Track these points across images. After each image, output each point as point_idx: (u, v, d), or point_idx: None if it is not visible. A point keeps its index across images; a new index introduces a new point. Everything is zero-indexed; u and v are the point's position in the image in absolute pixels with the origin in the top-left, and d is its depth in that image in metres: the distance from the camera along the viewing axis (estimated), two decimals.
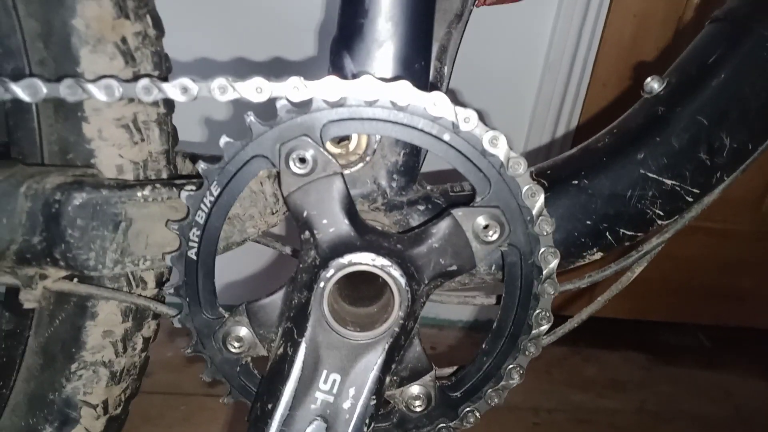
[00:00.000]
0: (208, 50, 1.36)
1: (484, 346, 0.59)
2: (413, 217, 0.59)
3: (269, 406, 0.51)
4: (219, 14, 1.36)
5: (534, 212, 0.52)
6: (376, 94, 0.50)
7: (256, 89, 0.50)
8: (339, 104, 0.50)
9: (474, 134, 0.51)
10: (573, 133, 1.64)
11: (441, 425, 0.59)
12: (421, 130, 0.51)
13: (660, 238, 0.61)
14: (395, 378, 0.56)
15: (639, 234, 0.60)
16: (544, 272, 0.54)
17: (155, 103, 0.59)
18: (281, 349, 0.53)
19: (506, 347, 0.58)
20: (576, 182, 0.58)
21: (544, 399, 1.63)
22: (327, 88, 0.49)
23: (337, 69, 0.58)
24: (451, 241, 0.52)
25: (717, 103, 0.56)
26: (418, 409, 0.58)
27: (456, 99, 0.50)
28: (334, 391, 0.51)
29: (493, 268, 0.58)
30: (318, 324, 0.51)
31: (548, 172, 0.61)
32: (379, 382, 0.52)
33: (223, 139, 0.51)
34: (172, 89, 0.50)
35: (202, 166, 0.51)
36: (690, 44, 0.62)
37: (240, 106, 0.51)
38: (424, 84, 0.60)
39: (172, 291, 0.55)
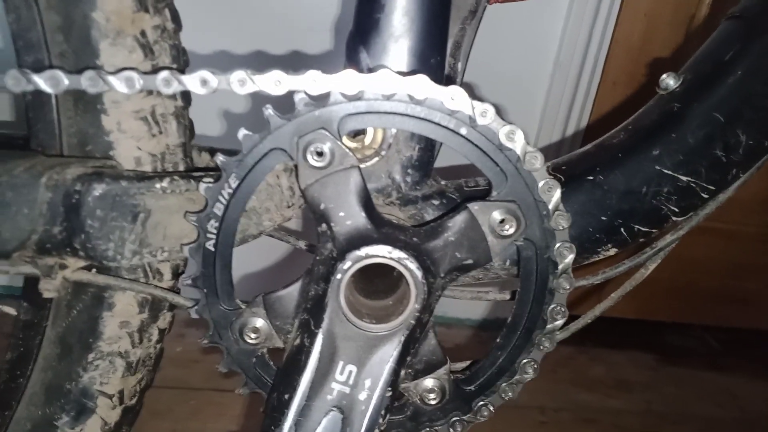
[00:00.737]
0: (225, 44, 1.37)
1: (498, 340, 0.59)
2: (428, 211, 0.59)
3: (286, 396, 0.52)
4: (236, 8, 1.37)
5: (550, 207, 0.53)
6: (393, 87, 0.50)
7: (275, 82, 0.50)
8: (357, 98, 0.51)
9: (491, 128, 0.51)
10: (583, 132, 1.63)
11: (455, 418, 0.60)
12: (438, 124, 0.51)
13: (674, 234, 0.61)
14: (410, 371, 0.56)
15: (654, 230, 0.60)
16: (560, 267, 0.55)
17: (173, 96, 0.60)
18: (298, 341, 0.53)
19: (521, 342, 0.58)
20: (591, 178, 0.58)
21: (550, 398, 1.63)
22: (345, 81, 0.50)
23: (353, 63, 0.58)
24: (467, 234, 0.53)
25: (733, 100, 0.56)
26: (432, 402, 0.58)
27: (473, 93, 0.50)
28: (351, 382, 0.52)
29: (508, 262, 0.58)
30: (335, 315, 0.51)
31: (563, 167, 0.61)
32: (395, 374, 0.52)
33: (242, 132, 0.52)
34: (192, 82, 0.50)
35: (220, 158, 0.52)
36: (705, 41, 0.62)
37: (256, 99, 0.51)
38: (440, 79, 0.60)
39: (190, 282, 0.56)
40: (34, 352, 0.62)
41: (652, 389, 1.75)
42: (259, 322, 0.55)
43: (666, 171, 0.57)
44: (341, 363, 0.51)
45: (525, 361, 0.58)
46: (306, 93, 0.51)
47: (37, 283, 0.55)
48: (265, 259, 1.66)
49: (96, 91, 0.50)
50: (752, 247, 1.85)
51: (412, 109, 0.51)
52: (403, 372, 0.54)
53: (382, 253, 0.50)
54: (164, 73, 0.50)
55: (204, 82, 0.51)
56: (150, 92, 0.57)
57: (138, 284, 0.59)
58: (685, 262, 1.80)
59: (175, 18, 0.60)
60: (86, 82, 0.50)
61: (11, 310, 0.64)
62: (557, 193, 0.52)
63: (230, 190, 0.52)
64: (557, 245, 0.54)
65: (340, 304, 0.51)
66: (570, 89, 1.55)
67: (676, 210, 0.58)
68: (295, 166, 0.52)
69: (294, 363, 0.52)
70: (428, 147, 0.60)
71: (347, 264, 0.50)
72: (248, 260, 1.58)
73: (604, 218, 0.58)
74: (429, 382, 0.57)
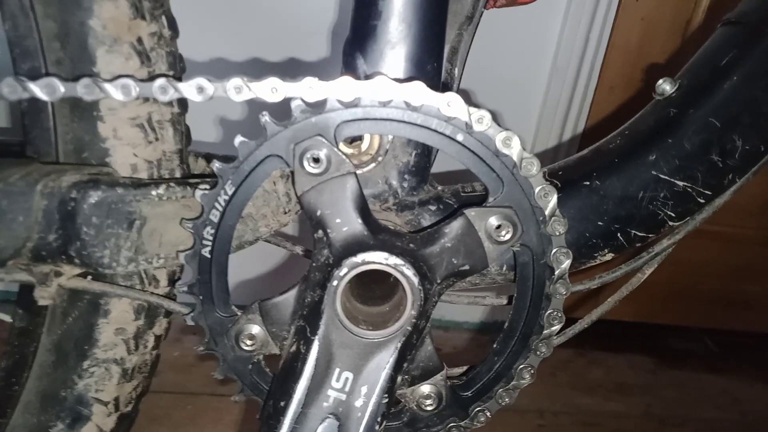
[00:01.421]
0: (222, 51, 1.37)
1: (495, 345, 0.59)
2: (424, 217, 0.59)
3: (282, 403, 0.51)
4: (233, 15, 1.37)
5: (547, 212, 0.53)
6: (390, 94, 0.50)
7: (271, 89, 0.50)
8: (353, 104, 0.51)
9: (487, 134, 0.51)
10: (580, 137, 1.64)
11: (451, 424, 0.60)
12: (435, 131, 0.51)
13: (671, 239, 0.61)
14: (407, 377, 0.56)
15: (650, 235, 0.60)
16: (557, 272, 0.55)
17: (169, 103, 0.59)
18: (294, 347, 0.53)
19: (517, 347, 0.58)
20: (588, 183, 0.59)
21: (549, 402, 1.63)
22: (342, 88, 0.50)
23: (350, 70, 0.58)
24: (464, 240, 0.53)
25: (729, 105, 0.56)
26: (429, 408, 0.58)
27: (469, 100, 0.51)
28: (347, 389, 0.51)
29: (505, 268, 0.58)
30: (331, 322, 0.51)
31: (560, 173, 0.61)
32: (391, 380, 0.52)
33: (238, 139, 0.52)
34: (188, 89, 0.50)
35: (217, 165, 0.52)
36: (702, 47, 0.62)
37: (252, 106, 0.51)
38: (437, 85, 0.60)
39: (185, 289, 0.56)
40: (30, 359, 0.62)
41: (651, 392, 1.75)
42: (255, 329, 0.55)
43: (662, 176, 0.57)
44: (337, 370, 0.51)
45: (522, 366, 0.58)
46: (302, 100, 0.51)
47: (33, 290, 0.55)
48: (261, 266, 1.66)
49: (92, 98, 0.50)
50: (751, 250, 1.85)
51: (408, 115, 0.51)
52: (399, 378, 0.54)
53: (378, 259, 0.50)
54: (160, 81, 0.50)
55: (200, 89, 0.51)
56: (146, 99, 0.57)
57: (133, 291, 0.59)
58: (685, 264, 1.80)
59: (172, 25, 0.60)
60: (82, 89, 0.50)
61: (6, 317, 0.64)
62: (554, 199, 0.52)
63: (226, 197, 0.52)
64: (554, 251, 0.54)
65: (337, 310, 0.51)
66: (567, 93, 1.55)
67: (673, 215, 0.58)
68: (292, 173, 0.52)
69: (290, 370, 0.52)
70: (425, 153, 0.60)
71: (343, 271, 0.50)
72: (245, 267, 1.58)
73: (600, 223, 0.58)
74: (426, 388, 0.57)
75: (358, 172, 0.57)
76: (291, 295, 0.55)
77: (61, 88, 0.49)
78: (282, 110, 0.52)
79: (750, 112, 0.56)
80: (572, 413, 1.61)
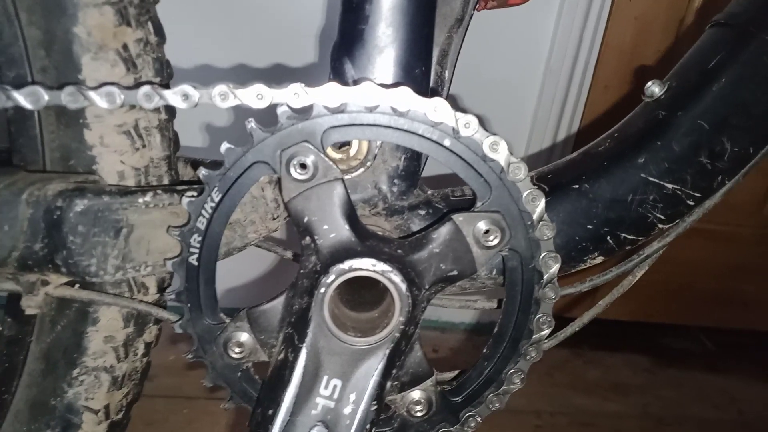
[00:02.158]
0: (209, 57, 1.37)
1: (485, 350, 0.59)
2: (414, 221, 0.59)
3: (270, 411, 0.51)
4: (220, 21, 1.37)
5: (534, 217, 0.53)
6: (376, 100, 0.50)
7: (257, 96, 0.50)
8: (339, 110, 0.51)
9: (474, 139, 0.51)
10: (574, 137, 1.64)
11: (442, 430, 0.59)
12: (422, 136, 0.51)
13: (661, 242, 0.61)
14: (396, 383, 0.56)
15: (640, 238, 0.60)
16: (545, 277, 0.54)
17: (157, 110, 0.59)
18: (282, 355, 0.53)
19: (507, 352, 0.58)
20: (577, 186, 0.58)
21: (546, 402, 1.62)
22: (327, 94, 0.50)
23: (338, 75, 0.58)
24: (452, 246, 0.52)
25: (718, 107, 0.56)
26: (419, 414, 0.58)
27: (456, 104, 0.50)
28: (335, 396, 0.51)
29: (494, 272, 0.58)
30: (319, 329, 0.51)
31: (549, 176, 0.61)
32: (380, 387, 0.52)
33: (224, 146, 0.51)
34: (173, 96, 0.50)
35: (203, 172, 0.52)
36: (691, 48, 0.62)
37: (242, 112, 0.51)
38: (425, 89, 0.60)
39: (173, 296, 0.55)
40: (19, 367, 0.61)
41: (648, 392, 1.75)
42: (244, 337, 0.55)
43: (651, 179, 0.57)
44: (326, 377, 0.51)
45: (512, 371, 0.58)
46: (289, 106, 0.50)
47: (20, 298, 0.55)
48: (249, 272, 1.65)
49: (77, 106, 0.50)
50: (748, 249, 1.85)
51: (395, 121, 0.51)
52: (388, 385, 0.54)
53: (365, 266, 0.50)
54: (145, 88, 0.50)
55: (186, 97, 0.50)
56: (133, 106, 0.57)
57: (122, 299, 0.58)
58: (681, 264, 1.80)
59: (158, 31, 0.60)
60: (67, 98, 0.49)
61: None
62: (541, 204, 0.52)
63: (213, 204, 0.52)
64: (542, 255, 0.54)
65: (324, 318, 0.50)
66: (561, 93, 1.55)
67: (662, 217, 0.58)
68: (279, 179, 0.52)
69: (278, 378, 0.52)
70: (414, 157, 0.60)
71: (331, 278, 0.50)
72: (233, 273, 1.57)
73: (590, 227, 0.58)
74: (416, 394, 0.57)
75: (347, 176, 0.57)
76: (279, 302, 0.55)
77: (46, 96, 0.49)
78: (271, 116, 0.52)
79: (739, 114, 0.56)
80: (569, 413, 1.61)
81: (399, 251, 0.53)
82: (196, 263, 0.54)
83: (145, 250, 0.55)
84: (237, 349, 0.55)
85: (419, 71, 0.58)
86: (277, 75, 1.38)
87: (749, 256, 1.86)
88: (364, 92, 0.50)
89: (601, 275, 0.63)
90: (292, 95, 0.50)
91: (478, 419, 0.59)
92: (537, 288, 0.55)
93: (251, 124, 0.51)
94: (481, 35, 1.02)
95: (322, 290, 0.50)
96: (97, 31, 0.54)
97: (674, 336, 2.04)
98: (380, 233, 0.57)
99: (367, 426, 0.51)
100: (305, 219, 0.52)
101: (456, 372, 0.61)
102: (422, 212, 0.59)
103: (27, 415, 0.61)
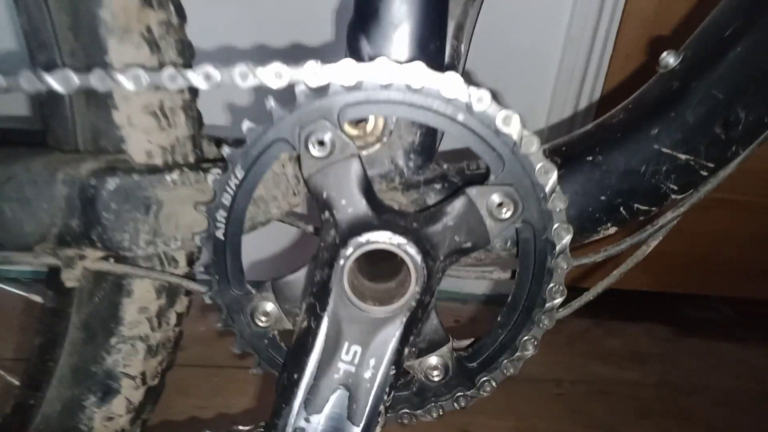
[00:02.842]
0: (229, 37, 1.38)
1: (499, 318, 0.61)
2: (430, 195, 0.61)
3: (295, 376, 0.54)
4: (238, 1, 1.37)
5: (547, 189, 0.54)
6: (390, 77, 0.51)
7: (275, 75, 0.51)
8: (355, 88, 0.52)
9: (487, 114, 0.52)
10: (596, 105, 1.61)
11: (459, 394, 0.62)
12: (436, 111, 0.52)
13: (675, 212, 0.61)
14: (414, 349, 0.59)
15: (653, 209, 0.60)
16: (558, 248, 0.56)
17: (180, 90, 0.61)
18: (305, 323, 0.56)
19: (521, 320, 0.60)
20: (590, 158, 0.59)
21: (566, 371, 1.64)
22: (343, 72, 0.51)
23: (355, 52, 0.59)
24: (466, 218, 0.54)
25: (732, 76, 0.56)
26: (436, 379, 0.60)
27: (470, 79, 0.51)
28: (356, 361, 0.54)
29: (508, 243, 0.59)
30: (339, 299, 0.53)
31: (563, 148, 0.61)
32: (398, 353, 0.54)
33: (245, 124, 0.53)
34: (195, 77, 0.52)
35: (226, 150, 0.54)
36: (707, 17, 0.62)
37: (261, 90, 0.53)
38: (441, 64, 0.60)
39: (202, 269, 0.58)
40: (61, 336, 0.66)
41: (668, 361, 1.76)
42: (269, 306, 0.58)
43: (665, 150, 0.57)
44: (346, 344, 0.54)
45: (525, 338, 0.60)
46: (306, 84, 0.52)
47: (60, 272, 0.58)
48: (274, 246, 1.69)
49: (105, 89, 0.52)
50: None
51: (409, 97, 0.52)
52: (406, 351, 0.57)
53: (382, 239, 0.52)
54: (169, 70, 0.52)
55: (207, 77, 0.52)
56: (158, 87, 0.59)
57: (153, 272, 0.62)
58: (703, 234, 1.78)
59: (180, 12, 0.61)
60: (95, 80, 0.52)
61: (38, 298, 0.67)
62: (554, 176, 0.53)
63: (237, 181, 0.54)
64: (555, 226, 0.55)
65: (344, 288, 0.53)
66: (582, 62, 1.53)
67: (676, 188, 0.59)
68: (299, 156, 0.54)
69: (302, 344, 0.55)
70: (430, 132, 0.61)
71: (349, 250, 0.52)
72: (258, 247, 1.61)
73: (603, 198, 0.59)
74: (433, 359, 0.60)
75: (364, 152, 0.58)
76: (302, 274, 0.58)
77: (76, 79, 0.51)
78: (290, 94, 0.53)
79: (754, 83, 0.55)
80: (589, 381, 1.63)
81: (414, 224, 0.54)
82: (222, 237, 0.56)
83: (174, 226, 0.58)
84: (263, 318, 0.58)
85: (434, 46, 0.59)
86: (296, 54, 1.39)
87: None
88: (379, 69, 0.51)
89: (616, 245, 0.63)
90: (310, 74, 0.51)
91: (494, 383, 0.62)
92: (550, 258, 0.56)
93: (270, 102, 0.52)
94: (500, 6, 1.01)
95: (342, 262, 0.52)
96: (121, 13, 0.56)
97: (694, 306, 2.03)
98: (396, 207, 0.58)
99: (387, 389, 0.54)
100: (324, 194, 0.54)
101: (472, 339, 0.64)
102: (437, 186, 0.61)
103: (71, 380, 0.66)
